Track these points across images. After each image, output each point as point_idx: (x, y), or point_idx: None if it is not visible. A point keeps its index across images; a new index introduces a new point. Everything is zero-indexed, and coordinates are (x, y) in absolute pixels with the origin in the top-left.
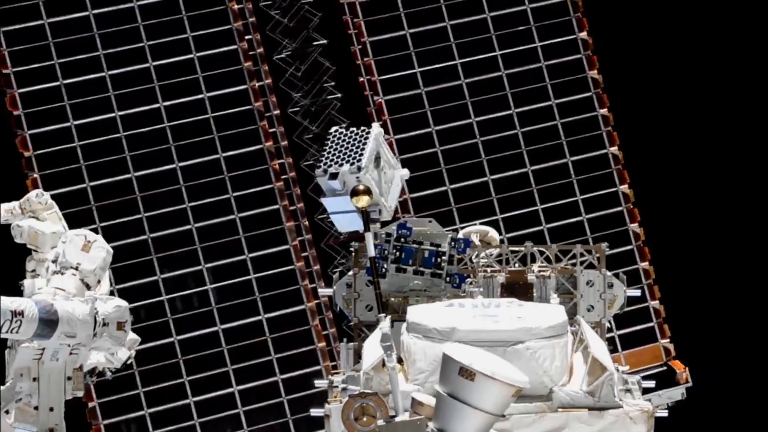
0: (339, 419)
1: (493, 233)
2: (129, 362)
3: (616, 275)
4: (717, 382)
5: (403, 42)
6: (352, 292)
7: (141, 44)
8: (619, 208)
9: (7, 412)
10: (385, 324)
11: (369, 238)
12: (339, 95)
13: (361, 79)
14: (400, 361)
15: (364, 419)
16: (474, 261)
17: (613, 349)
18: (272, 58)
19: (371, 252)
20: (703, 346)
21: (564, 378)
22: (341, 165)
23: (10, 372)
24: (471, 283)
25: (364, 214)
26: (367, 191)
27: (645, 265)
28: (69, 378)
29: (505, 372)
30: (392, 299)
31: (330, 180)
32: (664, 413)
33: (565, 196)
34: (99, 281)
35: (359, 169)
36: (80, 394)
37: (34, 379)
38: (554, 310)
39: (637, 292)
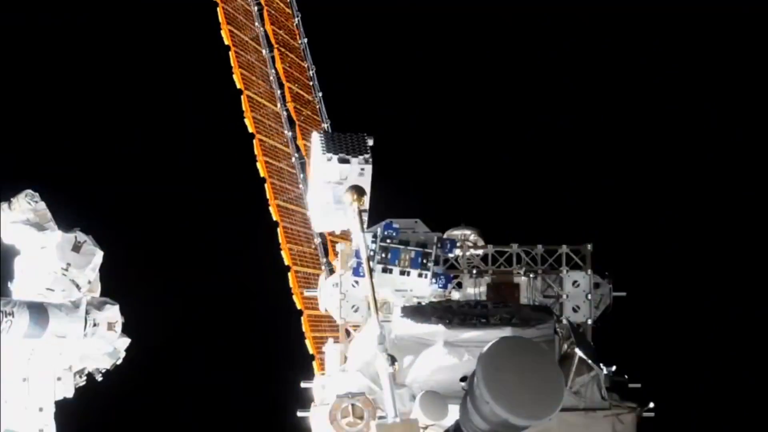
0: (326, 420)
1: (479, 234)
2: (119, 363)
3: (603, 275)
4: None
5: None
6: (338, 293)
7: None
8: None
9: None
10: (377, 325)
11: (361, 238)
12: None
13: None
14: (393, 361)
15: (352, 420)
16: (460, 261)
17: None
18: None
19: (363, 252)
20: None
21: None
22: (348, 154)
23: None
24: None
25: (360, 215)
26: (363, 191)
27: None
28: (59, 378)
29: None
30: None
31: (341, 163)
32: (651, 414)
33: None
34: (89, 281)
35: (366, 161)
36: (70, 394)
37: (24, 380)
38: (540, 311)
39: (623, 293)
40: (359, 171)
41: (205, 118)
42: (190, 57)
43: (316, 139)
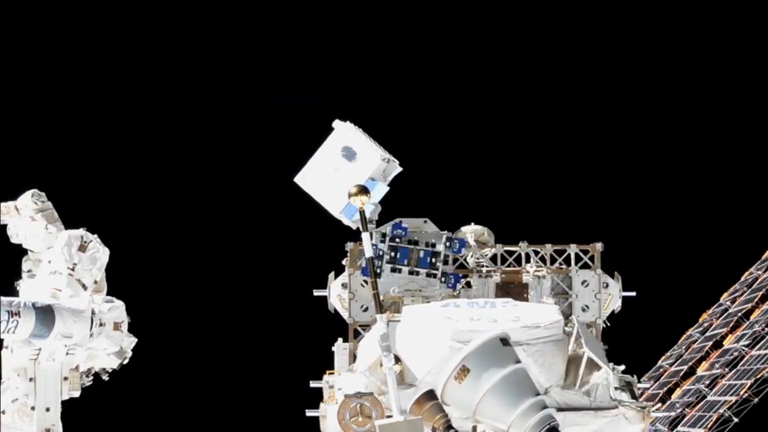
0: (335, 419)
1: (488, 233)
2: (126, 363)
3: (612, 275)
4: None
5: None
6: (348, 292)
7: None
8: None
9: (3, 412)
10: (381, 324)
11: (366, 238)
12: None
13: None
14: (397, 360)
15: (360, 419)
16: (469, 261)
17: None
18: None
19: (369, 252)
20: None
21: (560, 378)
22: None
23: (6, 372)
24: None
25: (362, 214)
26: (368, 191)
27: None
28: (65, 378)
29: None
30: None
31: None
32: (659, 413)
33: None
34: (95, 281)
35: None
36: (76, 394)
37: (31, 380)
38: (550, 310)
39: (632, 293)
40: (389, 176)
41: None
42: None
43: (363, 136)
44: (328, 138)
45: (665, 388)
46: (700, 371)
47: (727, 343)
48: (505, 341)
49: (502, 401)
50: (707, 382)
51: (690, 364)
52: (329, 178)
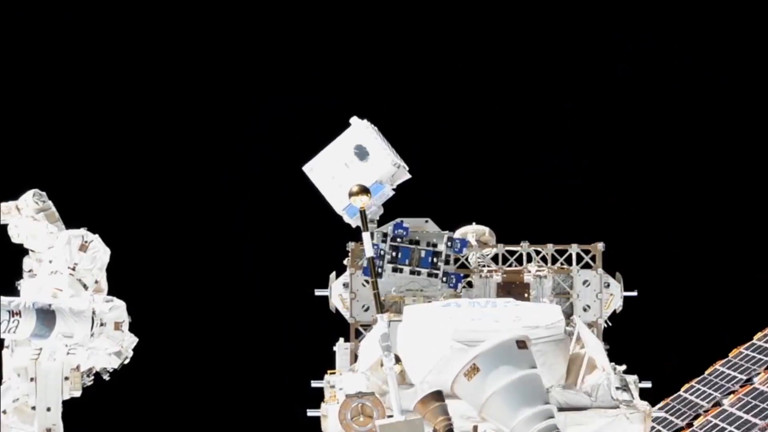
0: (336, 419)
1: (489, 233)
2: (126, 363)
3: (613, 275)
4: None
5: None
6: (349, 292)
7: None
8: None
9: (4, 412)
10: (382, 324)
11: (367, 237)
12: None
13: None
14: (398, 360)
15: (361, 419)
16: (470, 261)
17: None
18: None
19: (369, 252)
20: None
21: (561, 378)
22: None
23: (7, 372)
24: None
25: (362, 214)
26: (369, 191)
27: None
28: (66, 378)
29: None
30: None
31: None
32: (660, 413)
33: None
34: (96, 281)
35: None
36: (77, 394)
37: (32, 380)
38: (551, 310)
39: (633, 293)
40: (397, 184)
41: None
42: None
43: (379, 137)
44: (343, 133)
45: (687, 419)
46: (726, 405)
47: (759, 382)
48: (522, 344)
49: (508, 404)
50: (733, 418)
51: (716, 399)
52: (338, 173)
